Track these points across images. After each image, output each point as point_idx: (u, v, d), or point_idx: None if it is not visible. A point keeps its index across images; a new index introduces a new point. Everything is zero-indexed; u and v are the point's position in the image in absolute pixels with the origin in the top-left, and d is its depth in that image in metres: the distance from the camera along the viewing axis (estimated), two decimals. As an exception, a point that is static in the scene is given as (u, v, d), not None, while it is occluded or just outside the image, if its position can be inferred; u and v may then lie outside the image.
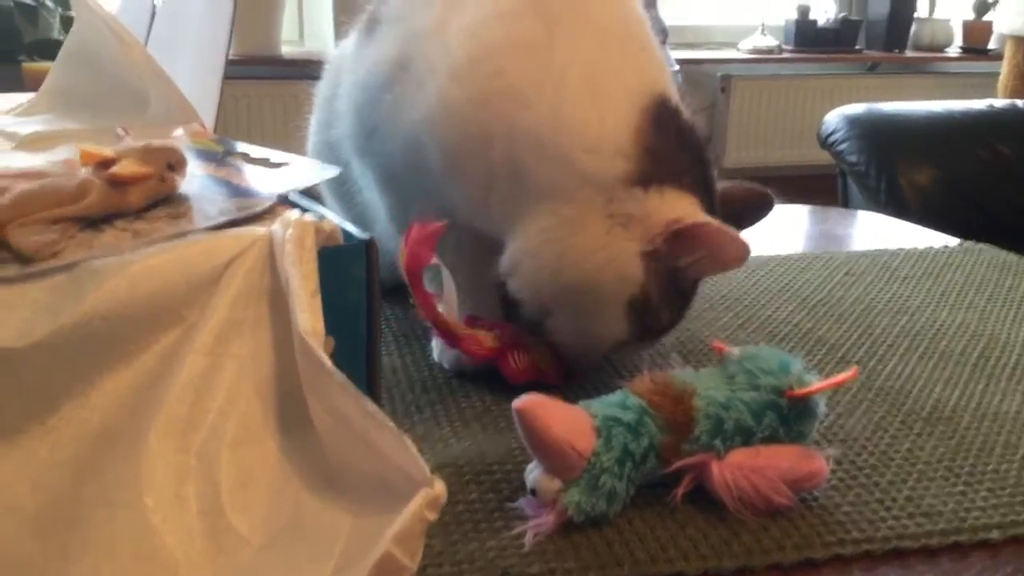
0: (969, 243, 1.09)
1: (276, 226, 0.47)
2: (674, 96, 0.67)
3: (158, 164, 0.51)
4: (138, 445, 0.40)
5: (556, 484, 0.53)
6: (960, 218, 1.88)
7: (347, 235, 0.50)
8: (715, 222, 0.62)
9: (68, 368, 0.42)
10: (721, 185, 0.70)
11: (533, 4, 0.66)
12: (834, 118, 1.97)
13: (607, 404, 0.55)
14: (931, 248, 1.08)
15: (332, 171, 0.56)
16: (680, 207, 0.64)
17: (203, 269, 0.45)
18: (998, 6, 3.59)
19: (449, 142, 0.67)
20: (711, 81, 4.05)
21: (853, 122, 1.94)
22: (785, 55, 4.03)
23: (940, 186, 1.88)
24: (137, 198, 0.49)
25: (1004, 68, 3.34)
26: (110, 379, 0.43)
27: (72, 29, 0.73)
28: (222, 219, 0.49)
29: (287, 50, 3.70)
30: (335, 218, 0.52)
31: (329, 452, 0.41)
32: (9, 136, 0.69)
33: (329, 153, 0.84)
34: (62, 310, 0.41)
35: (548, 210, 0.65)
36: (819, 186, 2.26)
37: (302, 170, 0.56)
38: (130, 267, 0.44)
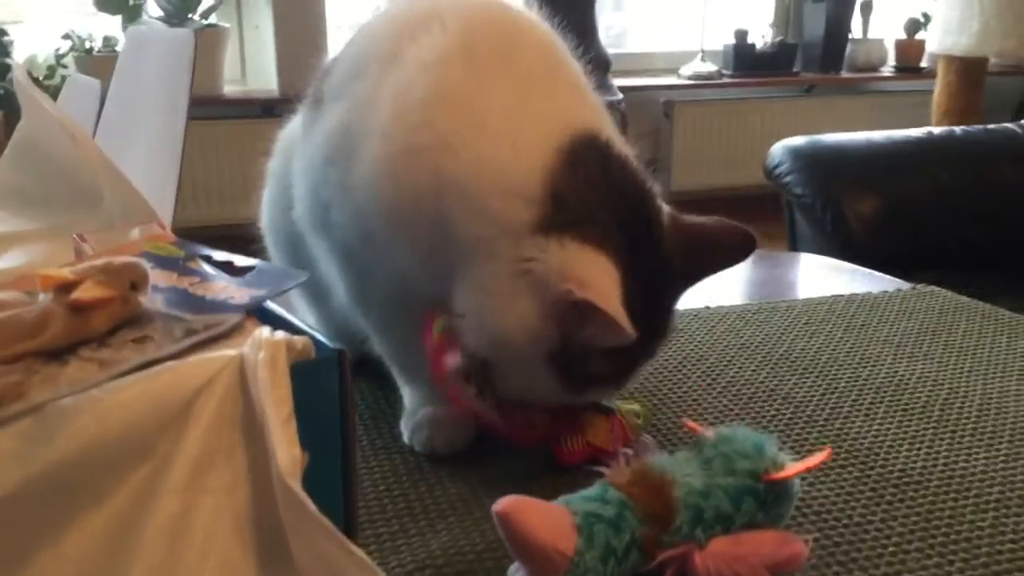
0: (921, 286, 1.10)
1: (247, 348, 0.46)
2: (603, 132, 0.65)
3: (121, 284, 0.50)
4: (118, 597, 0.39)
5: (540, 586, 0.53)
6: (905, 246, 1.92)
7: (318, 346, 0.50)
8: (602, 301, 0.58)
9: (38, 518, 0.41)
10: (701, 219, 0.68)
11: (456, 54, 0.66)
12: (778, 150, 2.00)
13: (586, 499, 0.55)
14: (885, 292, 1.09)
15: (300, 276, 0.55)
16: (577, 265, 0.60)
17: (172, 400, 0.44)
18: (929, 25, 3.67)
19: (386, 201, 0.66)
20: (654, 107, 4.11)
21: (797, 154, 1.97)
22: (725, 80, 4.10)
23: (884, 215, 1.91)
24: (100, 322, 0.48)
25: (937, 86, 3.43)
26: (82, 525, 0.42)
27: (20, 124, 0.72)
28: (188, 342, 0.48)
29: (229, 89, 3.67)
30: (306, 329, 0.52)
31: (314, 593, 0.41)
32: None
33: (283, 228, 0.84)
34: (30, 458, 0.40)
35: (474, 266, 0.63)
36: (763, 207, 2.28)
37: (268, 276, 0.56)
38: (98, 404, 0.43)
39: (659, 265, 0.64)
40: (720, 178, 4.11)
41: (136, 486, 0.43)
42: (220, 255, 0.58)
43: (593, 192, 0.62)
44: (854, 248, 1.86)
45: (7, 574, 0.40)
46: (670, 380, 0.84)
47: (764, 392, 0.82)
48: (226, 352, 0.46)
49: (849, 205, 1.90)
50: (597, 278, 0.60)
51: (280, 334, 0.48)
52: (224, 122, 3.57)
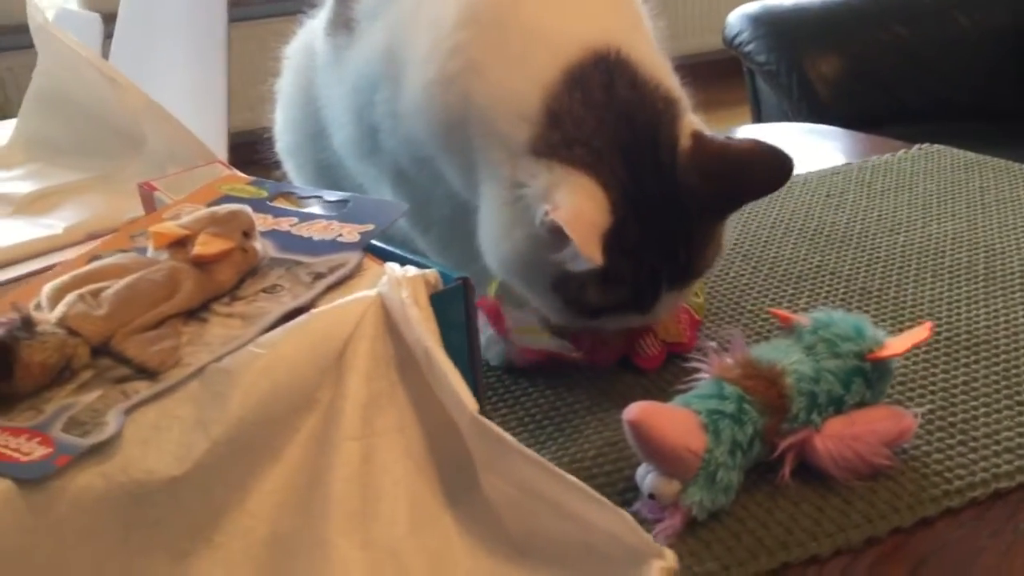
0: (926, 146, 1.12)
1: (384, 287, 0.45)
2: (622, 49, 0.61)
3: (234, 234, 0.48)
4: (324, 549, 0.39)
5: (675, 486, 0.53)
6: (870, 104, 1.93)
7: (443, 276, 0.49)
8: (569, 223, 0.54)
9: (224, 482, 0.40)
10: (731, 141, 0.63)
11: None
12: (736, 19, 1.99)
13: (704, 398, 0.56)
14: (894, 156, 1.10)
15: (400, 207, 0.54)
16: (560, 187, 0.57)
17: (328, 348, 0.43)
18: None
19: (430, 128, 0.65)
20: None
21: (756, 21, 1.95)
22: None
23: (847, 75, 1.92)
24: (226, 275, 0.47)
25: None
26: (263, 481, 0.41)
27: (38, 70, 0.68)
28: (321, 286, 0.47)
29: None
30: (421, 259, 0.51)
31: (511, 522, 0.41)
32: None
33: (311, 155, 0.82)
34: (211, 422, 0.39)
35: (487, 185, 0.63)
36: (725, 72, 2.28)
37: (366, 210, 0.54)
38: (258, 361, 0.42)
39: (669, 192, 0.60)
40: (679, 47, 4.08)
41: (308, 437, 0.42)
42: (305, 190, 0.56)
43: (590, 113, 0.59)
44: (820, 111, 1.87)
45: (202, 544, 0.40)
46: (720, 271, 0.84)
47: (810, 269, 0.83)
48: (366, 293, 0.45)
49: (813, 68, 1.90)
50: (574, 200, 0.57)
51: (411, 269, 0.47)
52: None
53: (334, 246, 0.50)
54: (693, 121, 0.62)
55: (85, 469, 0.37)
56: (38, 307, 0.43)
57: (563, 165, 0.58)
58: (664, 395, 0.62)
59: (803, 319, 0.61)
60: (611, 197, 0.58)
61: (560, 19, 0.63)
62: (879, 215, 0.93)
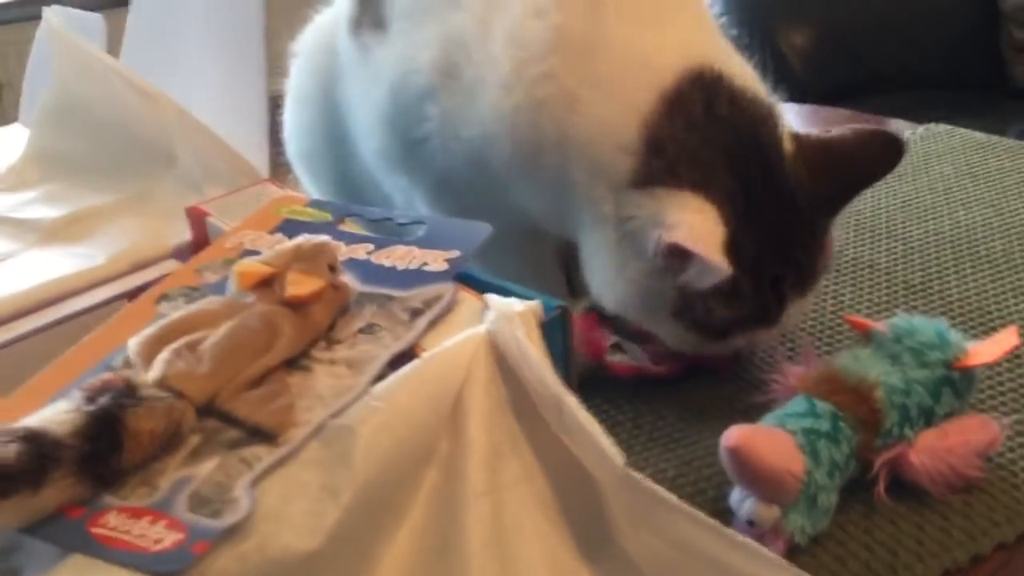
0: (932, 126, 1.11)
1: (493, 324, 0.42)
2: (715, 64, 0.60)
3: (321, 268, 0.45)
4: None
5: (775, 511, 0.51)
6: (842, 74, 1.93)
7: (544, 305, 0.46)
8: (687, 239, 0.54)
9: (357, 549, 0.37)
10: (834, 134, 0.63)
11: None
12: (706, -9, 1.96)
13: (798, 416, 0.54)
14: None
15: (484, 229, 0.51)
16: (669, 210, 0.56)
17: (443, 395, 0.40)
18: None
19: (509, 152, 0.62)
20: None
21: (725, -7, 1.94)
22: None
23: (819, 45, 1.92)
24: (322, 317, 0.43)
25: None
26: (391, 545, 0.38)
27: (54, 82, 0.63)
28: (422, 325, 0.43)
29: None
30: (514, 287, 0.48)
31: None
32: (19, 225, 0.59)
33: (331, 162, 0.78)
34: (340, 488, 0.36)
35: (590, 229, 0.61)
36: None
37: (447, 233, 0.51)
38: (376, 415, 0.39)
39: (782, 197, 0.59)
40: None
41: (430, 493, 0.39)
42: (371, 211, 0.53)
43: (691, 134, 0.58)
44: (794, 83, 1.86)
45: None
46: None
47: (847, 262, 0.81)
48: (474, 331, 0.42)
49: (785, 40, 1.89)
50: (686, 218, 0.56)
51: (515, 302, 0.44)
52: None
53: (422, 277, 0.47)
54: (789, 124, 0.61)
55: (221, 553, 0.33)
56: (127, 364, 0.39)
57: (667, 189, 0.56)
58: (737, 408, 0.61)
59: (881, 326, 0.59)
60: (721, 210, 0.56)
61: (651, 42, 0.60)
62: (902, 202, 0.92)
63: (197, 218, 0.54)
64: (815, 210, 0.61)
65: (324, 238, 0.47)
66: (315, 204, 0.54)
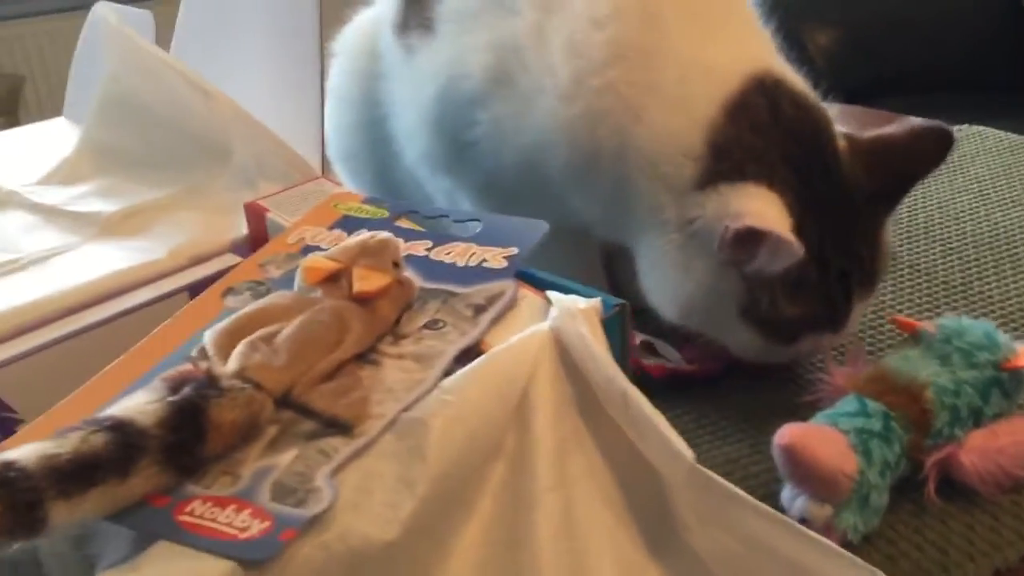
0: (966, 127, 1.11)
1: (557, 320, 0.43)
2: (773, 71, 0.61)
3: (386, 264, 0.45)
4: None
5: (827, 510, 0.52)
6: (866, 72, 1.93)
7: (604, 302, 0.47)
8: (759, 221, 0.55)
9: (431, 540, 0.38)
10: (883, 131, 0.64)
11: (632, 5, 0.62)
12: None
13: (848, 416, 0.54)
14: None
15: (540, 227, 0.51)
16: (734, 201, 0.57)
17: (511, 390, 0.41)
18: None
19: (566, 160, 0.63)
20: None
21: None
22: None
23: (844, 46, 1.92)
24: (388, 312, 0.44)
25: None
26: (462, 538, 0.39)
27: (107, 77, 0.63)
28: (486, 321, 0.44)
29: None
30: (569, 284, 0.49)
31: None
32: (76, 218, 0.60)
33: (372, 161, 0.78)
34: (415, 480, 0.37)
35: (649, 235, 0.61)
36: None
37: (503, 230, 0.51)
38: (448, 408, 0.39)
39: (841, 195, 0.60)
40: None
41: (498, 487, 0.40)
42: (428, 209, 0.53)
43: (754, 136, 0.59)
44: (818, 82, 1.86)
45: None
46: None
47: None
48: (538, 327, 0.43)
49: (810, 39, 1.89)
50: (753, 205, 0.57)
51: (577, 299, 0.44)
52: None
53: (482, 274, 0.47)
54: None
55: (305, 542, 0.34)
56: (203, 356, 0.40)
57: (732, 184, 0.57)
58: (781, 406, 0.61)
59: (929, 326, 0.59)
60: (786, 200, 0.57)
61: (711, 50, 0.61)
62: (939, 203, 0.92)
63: (256, 214, 0.55)
64: (873, 207, 0.62)
65: (388, 234, 0.47)
66: (371, 201, 0.54)
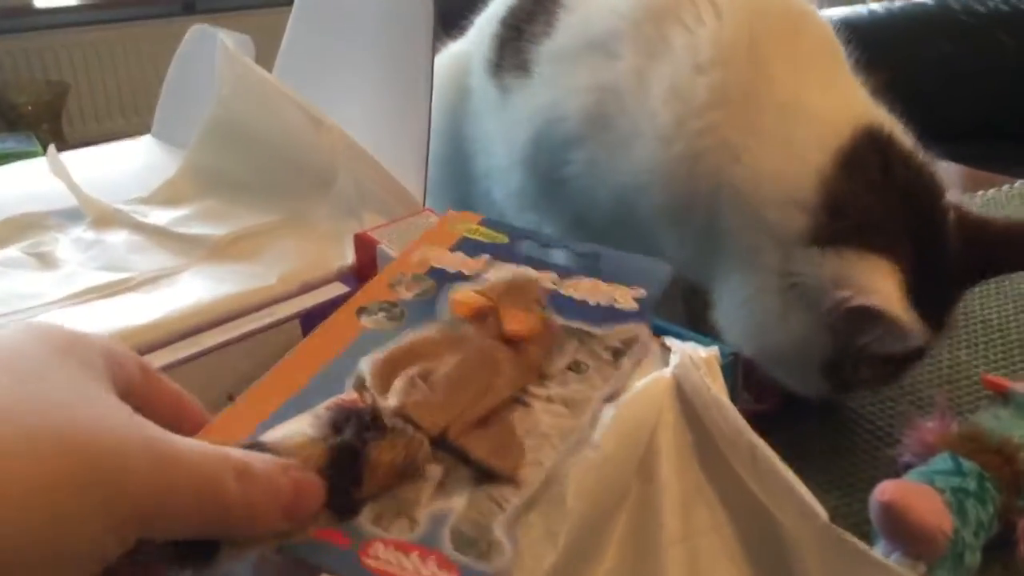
0: (1020, 184, 1.11)
1: (680, 369, 0.43)
2: (884, 125, 0.62)
3: (531, 303, 0.46)
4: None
5: (920, 568, 0.52)
6: (912, 121, 1.93)
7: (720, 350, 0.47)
8: (885, 304, 0.55)
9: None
10: (988, 217, 0.64)
11: (738, 52, 0.62)
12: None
13: (944, 474, 0.55)
14: (998, 191, 1.10)
15: (665, 268, 0.50)
16: (855, 271, 0.57)
17: (639, 439, 0.42)
18: None
19: (662, 201, 0.64)
20: None
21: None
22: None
23: (892, 92, 1.92)
24: (536, 353, 0.44)
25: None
26: (589, 592, 0.39)
27: (218, 101, 0.65)
28: (627, 367, 0.44)
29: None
30: (683, 331, 0.49)
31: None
32: (184, 240, 0.61)
33: (448, 189, 0.80)
34: (558, 531, 0.37)
35: (739, 273, 0.62)
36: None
37: (626, 267, 0.50)
38: (589, 458, 0.39)
39: (944, 266, 0.60)
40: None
41: (623, 537, 0.40)
42: (546, 237, 0.53)
43: (873, 196, 0.58)
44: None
45: None
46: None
47: (960, 316, 0.81)
48: (660, 374, 0.43)
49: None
50: (878, 282, 0.57)
51: (697, 346, 0.45)
52: (139, 23, 3.35)
53: (615, 315, 0.47)
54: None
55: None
56: (361, 385, 0.40)
57: (854, 250, 0.57)
58: (860, 454, 0.63)
59: (1020, 387, 0.60)
60: (906, 278, 0.57)
61: (821, 97, 0.61)
62: (1005, 258, 0.93)
63: (366, 244, 0.55)
64: (963, 282, 0.62)
65: (533, 273, 0.47)
66: (488, 223, 0.53)
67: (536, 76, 0.69)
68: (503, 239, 0.52)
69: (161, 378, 0.37)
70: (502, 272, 0.48)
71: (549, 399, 0.42)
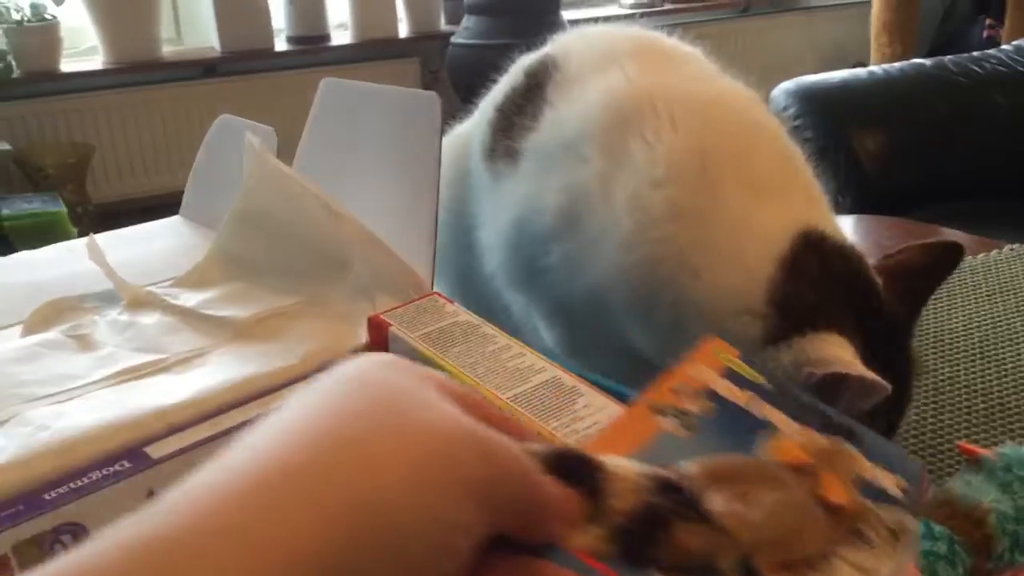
0: (1017, 246, 1.16)
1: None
2: (818, 226, 0.67)
3: (847, 479, 0.44)
4: None
5: (896, 626, 0.56)
6: (910, 177, 1.99)
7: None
8: (847, 368, 0.60)
9: None
10: (902, 256, 0.71)
11: (689, 167, 0.68)
12: (783, 94, 2.03)
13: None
14: (987, 256, 1.14)
15: (915, 466, 0.49)
16: (810, 349, 0.62)
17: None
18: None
19: (626, 300, 0.69)
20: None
21: (803, 97, 2.00)
22: (666, 7, 4.12)
23: (891, 152, 1.97)
24: (843, 526, 0.42)
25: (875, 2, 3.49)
26: None
27: (245, 193, 0.70)
28: (902, 551, 0.43)
29: (166, 50, 3.53)
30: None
31: None
32: (212, 321, 0.65)
33: (455, 267, 0.84)
34: None
35: None
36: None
37: (885, 453, 0.48)
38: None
39: (887, 326, 0.67)
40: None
41: None
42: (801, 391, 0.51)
43: (814, 290, 0.65)
44: (865, 186, 1.92)
45: None
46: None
47: (943, 381, 0.87)
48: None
49: (860, 145, 1.95)
50: (832, 352, 0.62)
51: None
52: (164, 87, 3.45)
53: (886, 497, 0.45)
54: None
55: None
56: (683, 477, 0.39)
57: (803, 336, 0.63)
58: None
59: (991, 454, 0.64)
60: (856, 343, 0.63)
61: (765, 212, 0.67)
62: (992, 321, 0.97)
63: (379, 327, 0.60)
64: (906, 329, 0.69)
65: (853, 450, 0.46)
66: (745, 360, 0.52)
67: (522, 168, 0.75)
68: (761, 379, 0.51)
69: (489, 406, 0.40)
70: (808, 432, 0.47)
71: (850, 563, 0.41)
